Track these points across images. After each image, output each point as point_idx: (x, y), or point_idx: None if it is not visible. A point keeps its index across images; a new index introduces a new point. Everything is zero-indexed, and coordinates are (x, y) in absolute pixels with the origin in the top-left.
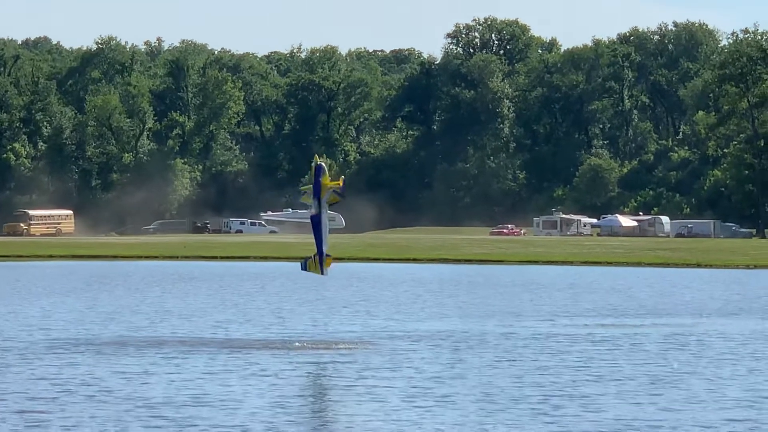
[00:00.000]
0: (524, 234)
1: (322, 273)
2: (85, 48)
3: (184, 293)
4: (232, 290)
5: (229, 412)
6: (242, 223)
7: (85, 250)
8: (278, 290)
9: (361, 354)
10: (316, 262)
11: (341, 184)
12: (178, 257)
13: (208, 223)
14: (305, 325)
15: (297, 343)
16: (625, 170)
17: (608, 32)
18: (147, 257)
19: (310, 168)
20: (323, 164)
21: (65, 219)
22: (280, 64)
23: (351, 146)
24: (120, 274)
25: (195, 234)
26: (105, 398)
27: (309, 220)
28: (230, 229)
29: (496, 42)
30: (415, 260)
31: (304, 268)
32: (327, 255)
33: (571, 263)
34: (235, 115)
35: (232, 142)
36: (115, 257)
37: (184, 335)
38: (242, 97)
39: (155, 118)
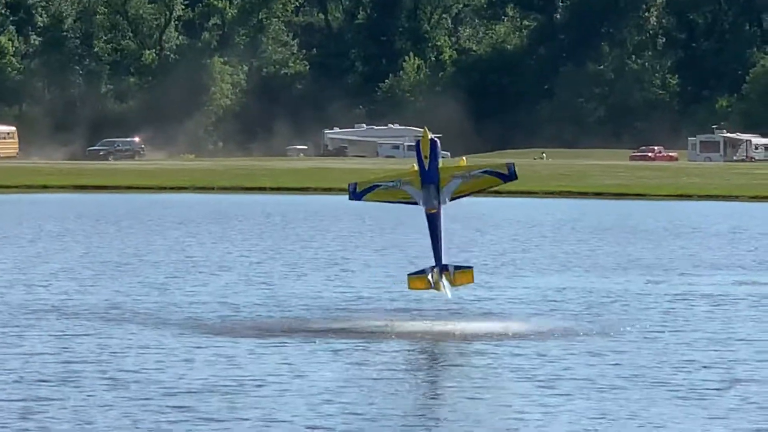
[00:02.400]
0: (675, 159)
1: (447, 293)
2: None
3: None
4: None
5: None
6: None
7: (89, 179)
8: (342, 233)
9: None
10: (437, 278)
11: (505, 166)
12: (213, 188)
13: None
14: (372, 286)
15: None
16: None
17: None
18: (172, 188)
19: (422, 140)
20: (437, 139)
21: (5, 138)
22: None
23: (446, 41)
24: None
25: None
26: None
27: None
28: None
29: None
30: (528, 193)
31: (424, 283)
32: (460, 267)
33: (736, 198)
34: (293, 0)
35: (287, 35)
36: (129, 188)
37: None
38: None
39: (186, 3)
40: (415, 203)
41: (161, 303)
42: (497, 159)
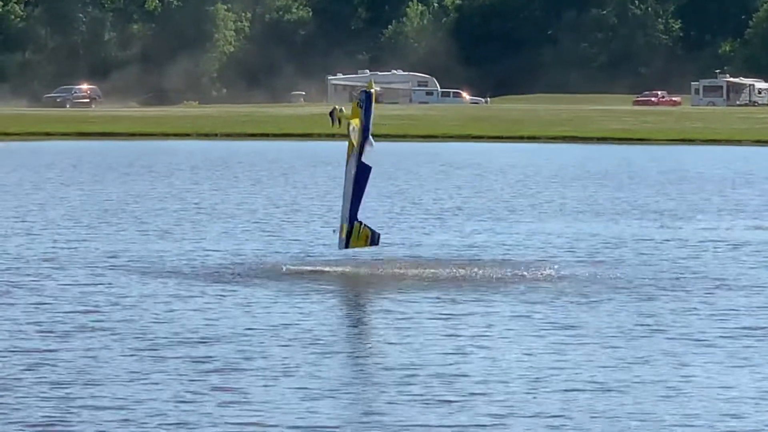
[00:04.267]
0: (679, 104)
1: (347, 246)
2: None
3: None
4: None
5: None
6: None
7: (94, 125)
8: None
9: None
10: (346, 230)
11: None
12: (216, 135)
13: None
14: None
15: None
16: None
17: None
18: (176, 135)
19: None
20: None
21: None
22: None
23: None
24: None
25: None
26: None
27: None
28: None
29: None
30: (531, 138)
31: (346, 245)
32: (363, 224)
33: (739, 143)
34: None
35: None
36: (132, 135)
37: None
38: None
39: None
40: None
41: (161, 251)
42: (499, 104)
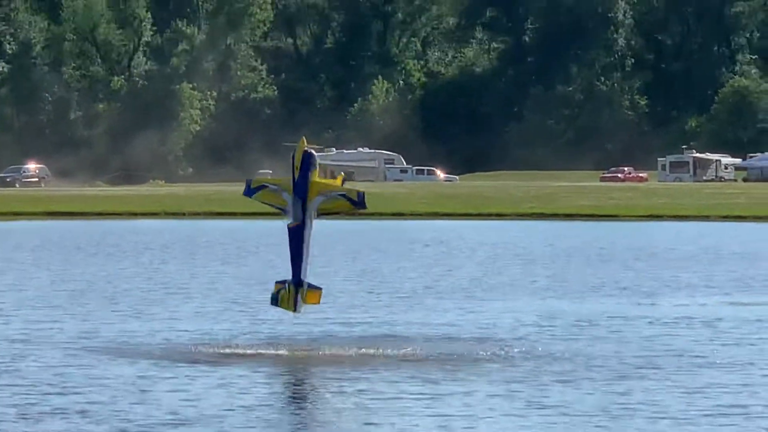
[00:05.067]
0: (646, 180)
1: (295, 310)
2: None
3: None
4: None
5: None
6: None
7: (63, 205)
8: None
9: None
10: (290, 294)
11: (356, 193)
12: (184, 214)
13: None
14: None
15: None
16: None
17: None
18: (144, 214)
19: (297, 150)
20: (314, 152)
21: None
22: None
23: (415, 65)
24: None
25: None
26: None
27: (347, 166)
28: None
29: None
30: (499, 216)
31: (275, 302)
32: (313, 286)
33: (707, 218)
34: (261, 25)
35: (256, 61)
36: (99, 215)
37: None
38: (270, 1)
39: (154, 28)
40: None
41: (132, 331)
42: (468, 181)
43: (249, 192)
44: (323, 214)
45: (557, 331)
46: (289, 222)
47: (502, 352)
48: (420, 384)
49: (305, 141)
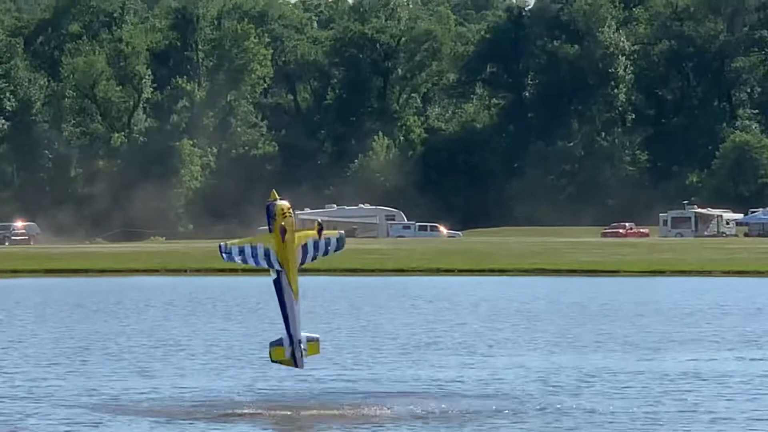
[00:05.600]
0: (647, 235)
1: (297, 365)
2: None
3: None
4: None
5: None
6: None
7: (63, 262)
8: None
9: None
10: (291, 358)
11: (318, 236)
12: (185, 271)
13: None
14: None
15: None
16: None
17: None
18: (145, 271)
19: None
20: (278, 202)
21: None
22: (321, 12)
23: (415, 121)
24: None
25: None
26: None
27: (355, 221)
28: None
29: None
30: (501, 272)
31: (274, 358)
32: (312, 338)
33: (709, 273)
34: (261, 81)
35: (257, 117)
36: (101, 272)
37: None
38: (270, 57)
39: (154, 85)
40: (275, 267)
41: (135, 389)
42: (469, 237)
43: (226, 254)
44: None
45: (563, 386)
46: (273, 276)
47: (511, 409)
48: None
49: (275, 193)
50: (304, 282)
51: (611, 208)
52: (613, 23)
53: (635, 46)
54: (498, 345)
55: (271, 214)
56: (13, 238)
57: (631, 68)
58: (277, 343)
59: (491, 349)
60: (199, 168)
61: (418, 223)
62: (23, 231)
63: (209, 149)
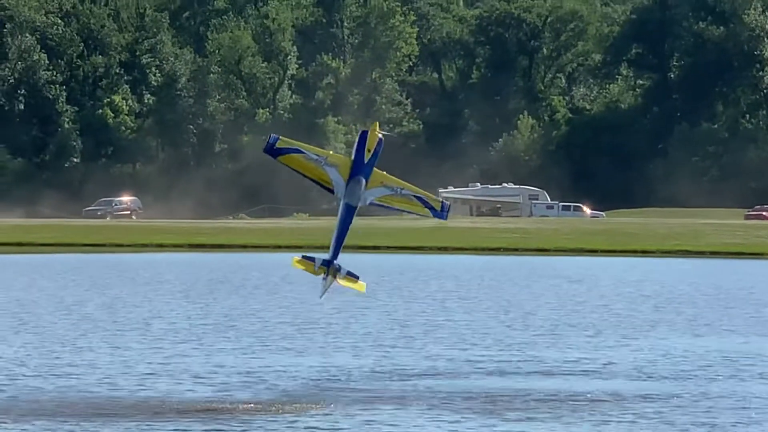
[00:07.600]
0: None
1: (324, 293)
2: None
3: None
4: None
5: None
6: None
7: (205, 237)
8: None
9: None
10: (328, 277)
11: (440, 204)
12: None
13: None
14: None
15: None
16: None
17: None
18: (288, 247)
19: (370, 133)
20: (383, 139)
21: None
22: None
23: (560, 101)
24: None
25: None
26: None
27: (501, 198)
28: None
29: None
30: (644, 252)
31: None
32: (350, 273)
33: None
34: (406, 59)
35: (401, 95)
36: (243, 247)
37: None
38: (415, 35)
39: (300, 62)
40: (329, 189)
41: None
42: (612, 218)
43: (273, 151)
44: (381, 205)
45: (729, 369)
46: (342, 199)
47: (676, 398)
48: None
49: (377, 126)
50: (450, 261)
51: (754, 190)
52: (759, 5)
53: None
54: (643, 327)
55: (362, 140)
56: (115, 213)
57: None
58: (308, 258)
59: (636, 332)
60: (343, 145)
61: (561, 203)
62: (127, 206)
63: (354, 126)
